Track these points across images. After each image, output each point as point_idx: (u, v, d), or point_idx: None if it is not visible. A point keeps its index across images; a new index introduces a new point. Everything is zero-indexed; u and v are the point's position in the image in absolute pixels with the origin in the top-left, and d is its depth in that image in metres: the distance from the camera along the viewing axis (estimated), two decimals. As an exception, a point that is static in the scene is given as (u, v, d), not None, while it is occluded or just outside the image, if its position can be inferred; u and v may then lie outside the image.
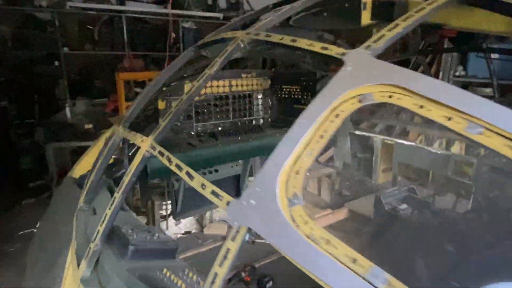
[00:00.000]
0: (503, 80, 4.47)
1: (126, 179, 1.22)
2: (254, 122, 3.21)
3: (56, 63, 5.44)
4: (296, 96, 3.14)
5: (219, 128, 2.96)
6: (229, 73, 3.06)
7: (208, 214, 3.72)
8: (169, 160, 1.11)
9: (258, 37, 1.29)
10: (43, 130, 4.81)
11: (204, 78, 1.30)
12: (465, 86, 4.95)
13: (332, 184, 4.33)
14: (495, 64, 4.51)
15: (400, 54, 5.82)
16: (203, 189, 0.97)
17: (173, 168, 1.09)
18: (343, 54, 1.00)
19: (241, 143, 2.86)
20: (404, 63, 5.96)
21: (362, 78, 0.92)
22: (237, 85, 3.07)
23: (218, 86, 2.99)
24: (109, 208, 1.24)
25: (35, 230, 3.38)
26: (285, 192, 0.84)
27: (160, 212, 3.41)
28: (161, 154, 1.17)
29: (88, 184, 1.67)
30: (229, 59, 1.33)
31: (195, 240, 2.83)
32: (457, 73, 4.89)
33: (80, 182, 2.42)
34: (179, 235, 3.22)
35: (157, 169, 2.25)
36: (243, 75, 3.10)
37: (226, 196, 0.91)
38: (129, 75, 4.66)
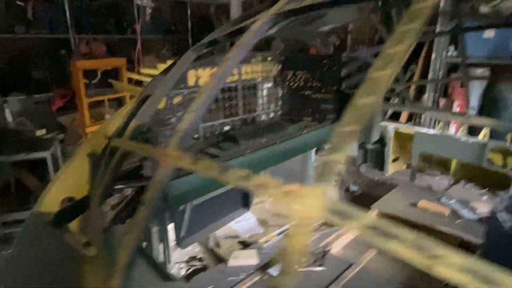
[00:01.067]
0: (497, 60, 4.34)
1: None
2: (263, 117, 2.72)
3: (-22, 50, 4.33)
4: (313, 84, 2.68)
5: (227, 127, 2.39)
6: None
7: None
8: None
9: None
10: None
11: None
12: (456, 66, 4.77)
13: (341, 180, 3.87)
14: (489, 43, 4.37)
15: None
16: None
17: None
18: None
19: (268, 148, 2.31)
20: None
21: None
22: (246, 73, 2.53)
23: (227, 75, 2.39)
24: None
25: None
26: None
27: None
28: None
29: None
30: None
31: (220, 276, 2.12)
32: (449, 54, 4.67)
33: (57, 221, 1.64)
34: (187, 267, 2.50)
35: (181, 194, 1.66)
36: (252, 60, 2.52)
37: None
38: (90, 63, 3.63)
